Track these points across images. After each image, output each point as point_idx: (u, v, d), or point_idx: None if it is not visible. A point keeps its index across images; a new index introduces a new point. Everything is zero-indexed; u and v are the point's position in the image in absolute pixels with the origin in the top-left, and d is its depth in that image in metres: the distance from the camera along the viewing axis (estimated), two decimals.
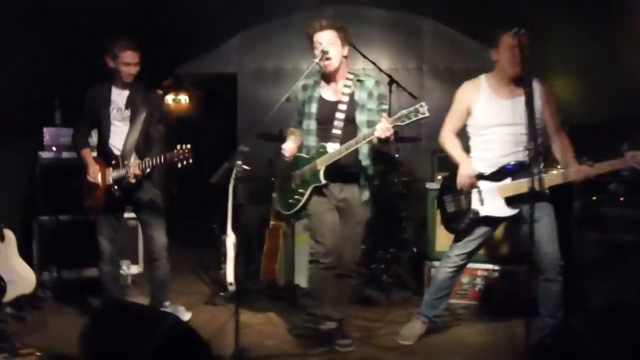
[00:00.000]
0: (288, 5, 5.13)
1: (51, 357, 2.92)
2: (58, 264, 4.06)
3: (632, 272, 3.30)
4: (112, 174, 3.39)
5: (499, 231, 3.79)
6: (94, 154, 3.56)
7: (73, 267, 4.11)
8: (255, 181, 4.34)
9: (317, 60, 2.95)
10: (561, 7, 3.95)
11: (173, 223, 3.88)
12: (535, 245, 2.85)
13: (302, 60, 5.28)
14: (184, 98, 7.76)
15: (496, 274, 3.89)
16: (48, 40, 4.16)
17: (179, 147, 3.15)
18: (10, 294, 3.32)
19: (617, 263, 3.45)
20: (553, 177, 2.89)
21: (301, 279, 4.02)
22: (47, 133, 4.19)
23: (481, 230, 3.08)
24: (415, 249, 4.58)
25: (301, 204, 3.05)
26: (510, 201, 2.96)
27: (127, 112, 3.45)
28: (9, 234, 3.45)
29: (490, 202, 3.00)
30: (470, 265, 3.40)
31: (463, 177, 3.04)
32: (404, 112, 2.70)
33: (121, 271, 3.96)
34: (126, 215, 3.74)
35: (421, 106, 2.67)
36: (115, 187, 3.38)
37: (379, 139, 2.76)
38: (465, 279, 3.89)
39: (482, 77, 3.09)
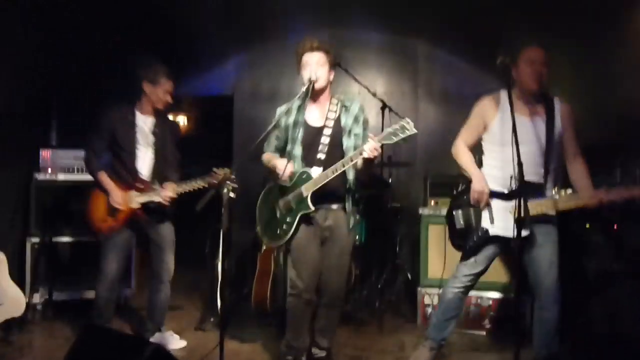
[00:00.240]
0: (284, 29, 5.17)
1: None
2: (50, 285, 4.04)
3: (624, 302, 3.28)
4: (138, 198, 3.36)
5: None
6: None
7: (65, 289, 4.10)
8: (249, 204, 4.32)
9: (304, 88, 2.91)
10: (557, 30, 3.96)
11: None
12: (535, 271, 2.81)
13: (297, 82, 5.28)
14: (182, 120, 7.81)
15: (490, 302, 3.86)
16: (45, 61, 4.20)
17: (215, 169, 3.01)
18: None
19: (609, 292, 3.43)
20: (566, 200, 2.82)
21: None
22: (43, 154, 4.19)
23: (489, 251, 2.99)
24: (409, 275, 4.54)
25: (290, 234, 2.92)
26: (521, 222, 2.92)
27: (152, 138, 3.44)
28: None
29: (501, 221, 2.92)
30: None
31: (477, 192, 2.96)
32: (390, 129, 2.62)
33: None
34: None
35: (407, 122, 2.59)
36: (141, 210, 3.38)
37: (365, 160, 2.70)
38: None
39: (503, 93, 2.99)
